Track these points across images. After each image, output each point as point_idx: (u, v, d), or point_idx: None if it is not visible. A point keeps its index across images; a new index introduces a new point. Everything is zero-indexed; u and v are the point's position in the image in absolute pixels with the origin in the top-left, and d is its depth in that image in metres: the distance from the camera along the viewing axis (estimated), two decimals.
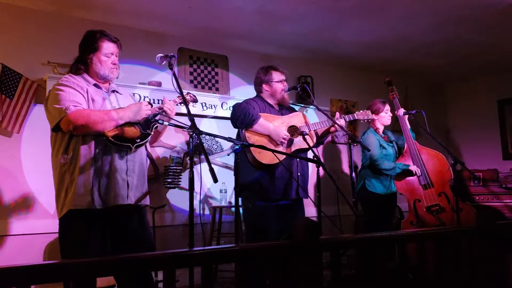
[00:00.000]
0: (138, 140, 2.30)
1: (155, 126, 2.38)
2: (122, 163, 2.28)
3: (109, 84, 2.48)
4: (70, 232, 2.23)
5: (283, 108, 3.31)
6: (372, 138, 3.97)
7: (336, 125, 3.08)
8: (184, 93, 2.56)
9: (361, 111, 3.37)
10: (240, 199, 3.20)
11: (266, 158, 2.98)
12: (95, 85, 2.38)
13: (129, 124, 2.30)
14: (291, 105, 3.47)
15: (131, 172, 2.32)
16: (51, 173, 2.32)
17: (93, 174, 2.21)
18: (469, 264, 2.12)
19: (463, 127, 6.55)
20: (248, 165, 3.04)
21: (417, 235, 2.09)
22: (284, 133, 3.04)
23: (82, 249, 2.18)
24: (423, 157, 3.87)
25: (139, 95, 4.07)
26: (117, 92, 2.51)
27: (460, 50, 5.18)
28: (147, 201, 2.45)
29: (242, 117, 2.99)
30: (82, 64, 2.39)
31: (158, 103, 4.03)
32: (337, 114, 3.14)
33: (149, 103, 2.42)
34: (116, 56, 2.42)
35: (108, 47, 2.38)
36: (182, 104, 2.49)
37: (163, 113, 2.39)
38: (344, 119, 3.12)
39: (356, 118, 3.27)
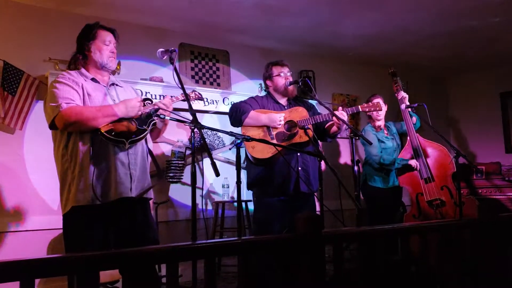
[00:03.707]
0: (134, 136, 2.26)
1: (153, 122, 2.35)
2: (123, 157, 2.26)
3: (108, 77, 2.45)
4: (73, 229, 2.23)
5: (292, 103, 3.29)
6: (370, 135, 4.01)
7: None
8: (189, 91, 2.55)
9: (366, 104, 3.30)
10: (251, 193, 3.26)
11: (259, 153, 3.00)
12: (93, 79, 2.35)
13: (125, 119, 2.27)
14: (300, 97, 3.43)
15: (133, 165, 2.30)
16: (54, 170, 2.32)
17: (92, 170, 2.19)
18: (471, 257, 2.12)
19: (466, 120, 6.53)
20: (250, 160, 3.09)
21: (420, 228, 2.09)
22: (279, 116, 3.06)
23: (84, 246, 2.17)
24: (426, 151, 3.86)
25: (141, 91, 4.07)
26: (116, 85, 2.47)
27: (462, 43, 5.15)
28: (151, 194, 2.43)
29: (234, 114, 3.12)
30: (81, 54, 2.37)
31: (160, 99, 4.03)
32: (340, 108, 3.13)
33: (148, 98, 2.39)
34: (114, 45, 2.41)
35: (105, 34, 2.38)
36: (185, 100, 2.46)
37: (158, 112, 2.35)
38: (347, 112, 3.08)
39: (361, 110, 3.16)
